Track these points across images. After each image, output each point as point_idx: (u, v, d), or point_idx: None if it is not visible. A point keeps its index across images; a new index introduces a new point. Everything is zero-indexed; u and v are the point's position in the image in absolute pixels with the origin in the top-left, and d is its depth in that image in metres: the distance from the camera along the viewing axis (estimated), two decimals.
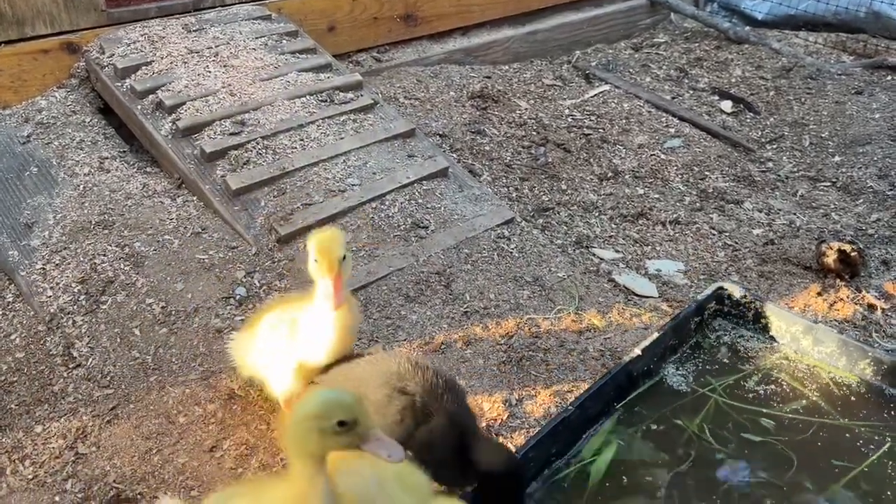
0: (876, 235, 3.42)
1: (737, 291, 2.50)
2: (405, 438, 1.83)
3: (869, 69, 4.91)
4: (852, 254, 3.05)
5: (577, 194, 3.62)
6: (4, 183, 3.21)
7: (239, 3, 4.18)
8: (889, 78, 4.79)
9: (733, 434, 2.15)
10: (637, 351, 2.27)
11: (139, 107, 3.47)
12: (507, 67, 4.59)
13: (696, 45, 5.25)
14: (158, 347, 2.59)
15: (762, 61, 4.87)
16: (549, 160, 3.77)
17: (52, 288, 2.77)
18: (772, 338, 2.45)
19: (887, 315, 2.90)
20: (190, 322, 2.68)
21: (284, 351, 2.09)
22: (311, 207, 3.08)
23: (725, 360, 2.41)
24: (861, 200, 3.69)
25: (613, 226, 3.46)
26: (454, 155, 3.72)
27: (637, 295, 3.02)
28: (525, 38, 4.96)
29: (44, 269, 2.84)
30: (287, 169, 3.19)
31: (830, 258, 3.06)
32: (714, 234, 3.42)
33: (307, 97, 3.57)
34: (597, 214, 3.51)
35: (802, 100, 4.51)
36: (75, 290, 2.74)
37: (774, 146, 4.11)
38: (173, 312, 2.70)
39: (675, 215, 3.52)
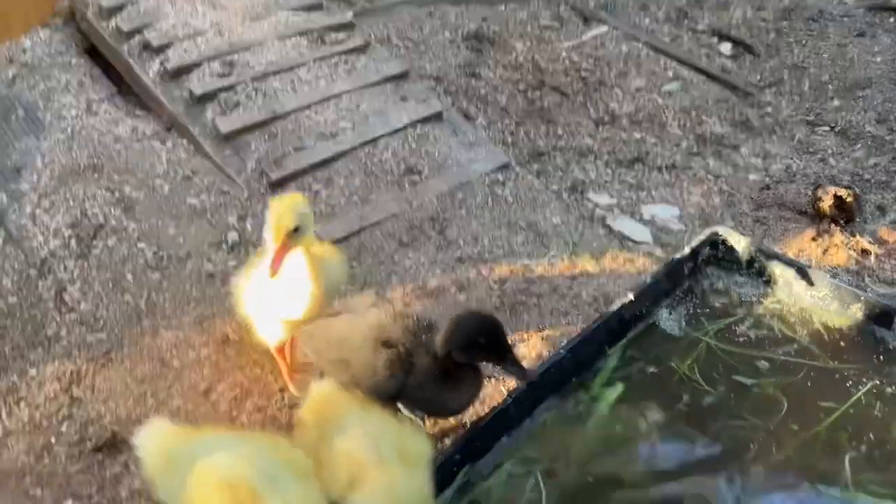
0: (872, 181, 3.40)
1: (731, 236, 2.49)
2: (399, 389, 1.85)
3: (872, 10, 4.81)
4: (848, 199, 3.03)
5: (573, 139, 3.57)
6: None
7: None
8: (892, 20, 4.69)
9: (723, 376, 2.17)
10: (630, 296, 2.27)
11: (126, 48, 3.40)
12: (503, 7, 4.47)
13: None
14: (151, 292, 2.59)
15: (763, 2, 4.75)
16: (545, 104, 3.72)
17: (42, 233, 2.75)
18: (765, 283, 2.45)
19: (881, 260, 2.90)
20: (182, 267, 2.67)
21: (271, 300, 2.09)
22: (303, 151, 3.04)
23: (718, 305, 2.41)
24: (859, 145, 3.65)
25: (609, 171, 3.42)
26: (448, 98, 3.65)
27: (631, 241, 3.01)
28: None
29: (33, 213, 2.81)
30: (278, 112, 3.14)
31: (826, 203, 3.05)
32: (710, 179, 3.39)
33: (298, 37, 3.49)
34: (592, 159, 3.48)
35: (803, 42, 4.42)
36: (66, 235, 2.73)
37: (773, 90, 4.05)
38: (165, 257, 2.69)
39: (671, 160, 3.49)
